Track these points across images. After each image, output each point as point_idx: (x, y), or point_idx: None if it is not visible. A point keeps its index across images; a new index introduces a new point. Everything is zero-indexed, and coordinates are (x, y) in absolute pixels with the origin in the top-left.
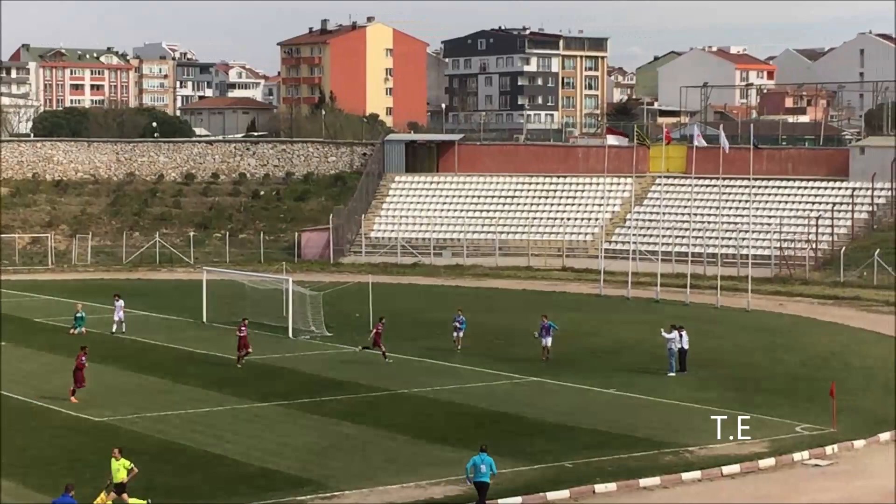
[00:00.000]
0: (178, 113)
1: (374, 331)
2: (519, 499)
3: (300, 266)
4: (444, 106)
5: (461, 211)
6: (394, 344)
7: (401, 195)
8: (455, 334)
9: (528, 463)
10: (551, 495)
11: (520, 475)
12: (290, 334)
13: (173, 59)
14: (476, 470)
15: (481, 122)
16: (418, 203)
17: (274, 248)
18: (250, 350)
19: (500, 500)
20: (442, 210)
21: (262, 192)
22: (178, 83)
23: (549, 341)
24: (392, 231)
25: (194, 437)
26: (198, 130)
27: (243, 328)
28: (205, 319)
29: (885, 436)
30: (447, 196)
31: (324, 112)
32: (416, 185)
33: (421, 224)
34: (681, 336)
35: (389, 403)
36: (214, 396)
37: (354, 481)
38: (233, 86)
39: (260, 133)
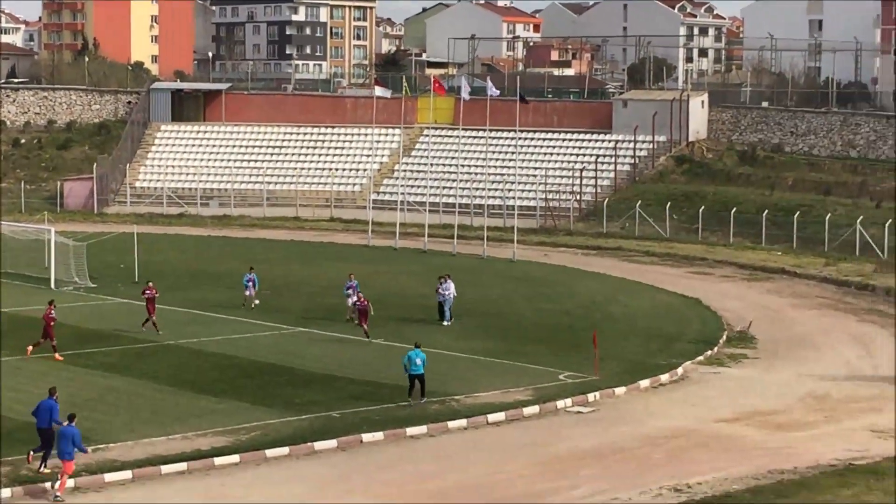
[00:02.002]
0: None
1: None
2: (286, 449)
3: (63, 216)
4: (211, 55)
5: (228, 161)
6: (161, 295)
7: (167, 145)
8: (246, 293)
9: (296, 413)
10: (319, 445)
11: (287, 425)
12: (53, 286)
13: None
14: (412, 363)
15: (249, 72)
16: (185, 153)
17: (35, 198)
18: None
19: (267, 451)
20: (209, 160)
21: (22, 141)
22: None
23: (353, 300)
24: (158, 181)
25: None
26: None
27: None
28: None
29: (644, 383)
30: (214, 146)
31: (87, 59)
32: (183, 135)
33: (187, 174)
34: (445, 285)
35: (156, 355)
36: None
37: (119, 434)
38: None
39: (20, 80)
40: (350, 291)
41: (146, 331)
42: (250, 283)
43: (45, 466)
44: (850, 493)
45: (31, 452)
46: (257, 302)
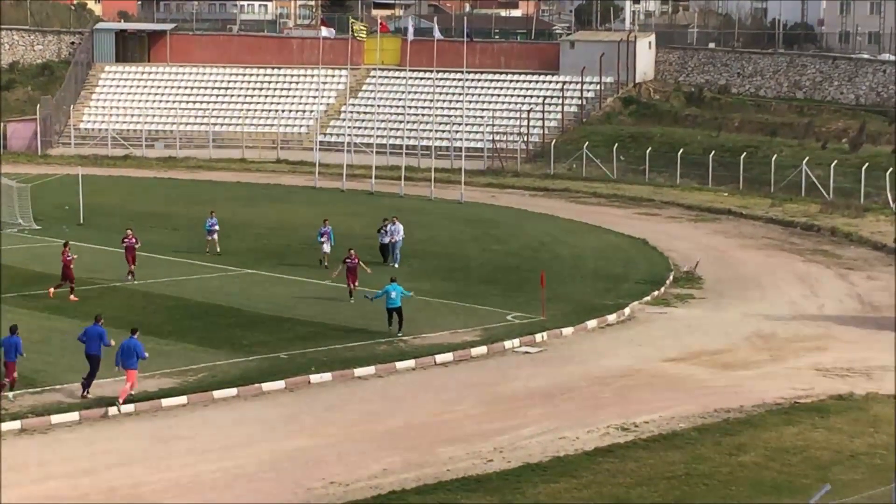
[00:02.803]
0: None
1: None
2: (234, 390)
3: (6, 158)
4: None
5: (173, 102)
6: (105, 236)
7: (111, 86)
8: (209, 237)
9: (244, 355)
10: (266, 386)
11: (235, 366)
12: None
13: None
14: (388, 297)
15: (193, 12)
16: (129, 94)
17: None
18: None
19: (215, 392)
20: (154, 101)
21: None
22: None
23: (327, 248)
24: (102, 122)
25: None
26: None
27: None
28: None
29: (591, 323)
30: (159, 87)
31: None
32: (127, 76)
33: (132, 115)
34: (393, 228)
35: (101, 297)
36: None
37: (66, 376)
38: None
39: None
40: (324, 238)
41: (132, 280)
42: (214, 228)
43: (87, 392)
44: (796, 430)
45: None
46: (218, 250)
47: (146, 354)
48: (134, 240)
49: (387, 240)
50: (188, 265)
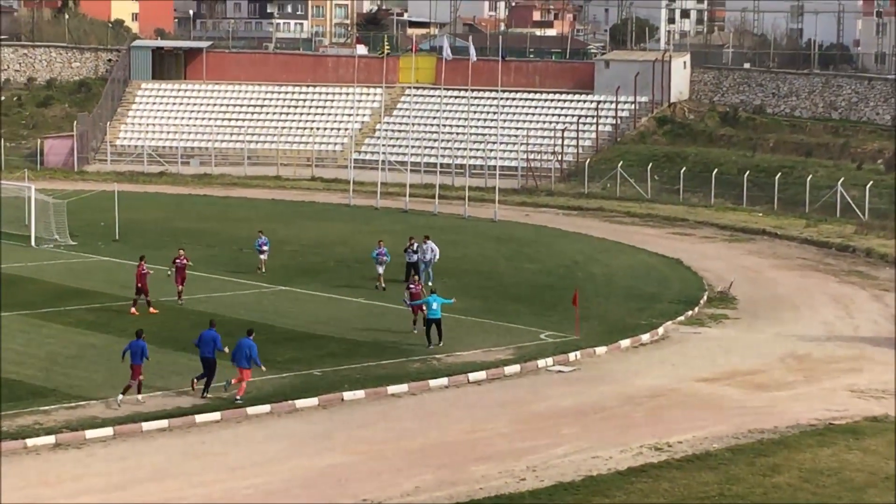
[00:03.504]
0: None
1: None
2: (268, 407)
3: (43, 174)
4: (191, 13)
5: (209, 120)
6: (140, 253)
7: (147, 103)
8: (261, 257)
9: (277, 371)
10: (299, 403)
11: (268, 383)
12: (33, 243)
13: None
14: (429, 307)
15: (230, 30)
16: (165, 111)
17: (15, 156)
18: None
19: (248, 409)
20: (189, 119)
21: (2, 98)
22: None
23: (381, 269)
24: (138, 139)
25: None
26: None
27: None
28: None
29: (625, 342)
30: (195, 104)
31: (67, 16)
32: (163, 93)
33: (168, 132)
34: (425, 247)
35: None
36: None
37: (99, 391)
38: None
39: None
40: (383, 258)
41: (183, 303)
42: (263, 247)
43: (207, 393)
44: (830, 452)
45: (195, 380)
46: (263, 270)
47: (261, 364)
48: (185, 259)
49: (414, 258)
50: (222, 281)
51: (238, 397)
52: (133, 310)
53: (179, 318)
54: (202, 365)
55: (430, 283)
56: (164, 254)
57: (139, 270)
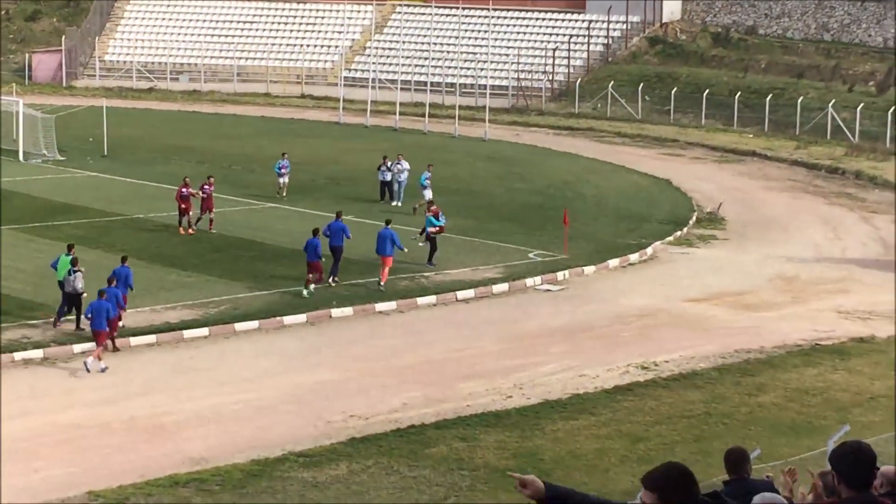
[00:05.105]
0: None
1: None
2: (256, 323)
3: (31, 88)
4: None
5: (199, 36)
6: (129, 168)
7: (137, 18)
8: (280, 180)
9: (266, 288)
10: (288, 319)
11: (257, 299)
12: (21, 157)
13: None
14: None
15: None
16: (155, 26)
17: (3, 70)
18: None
19: (236, 325)
20: (179, 35)
21: None
22: None
23: (429, 193)
24: (128, 55)
25: None
26: None
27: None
28: None
29: (613, 262)
30: (184, 20)
31: None
32: (153, 9)
33: (157, 48)
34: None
35: (124, 228)
36: None
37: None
38: None
39: None
40: (427, 184)
41: (198, 228)
42: (283, 170)
43: (335, 279)
44: (815, 372)
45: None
46: (284, 194)
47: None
48: (212, 187)
49: (388, 177)
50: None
51: (383, 282)
52: (188, 229)
53: (170, 235)
54: (332, 253)
55: (397, 204)
56: (152, 169)
57: (182, 191)
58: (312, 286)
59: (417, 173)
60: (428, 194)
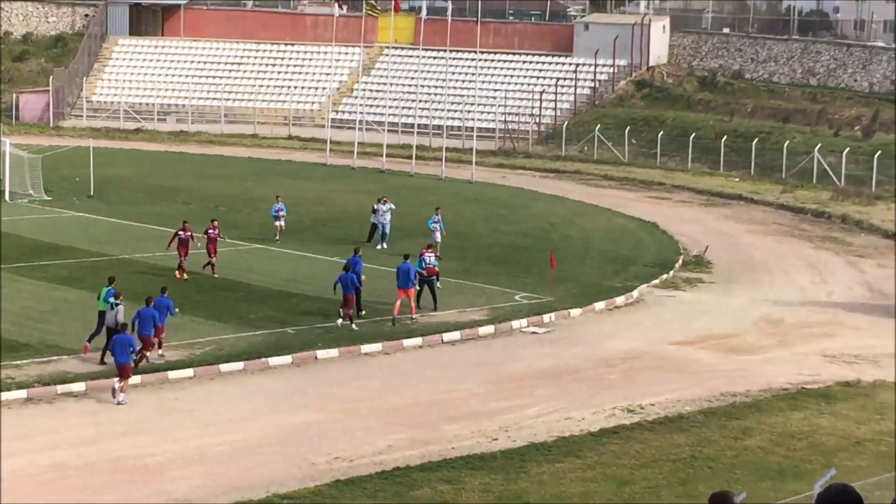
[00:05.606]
0: None
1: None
2: (241, 364)
3: (18, 128)
4: None
5: (186, 77)
6: (116, 209)
7: (124, 59)
8: (277, 223)
9: (251, 329)
10: (273, 360)
11: (242, 340)
12: (7, 197)
13: None
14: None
15: None
16: (142, 67)
17: None
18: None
19: (221, 366)
20: (166, 75)
21: None
22: None
23: (438, 236)
24: (115, 95)
25: None
26: None
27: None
28: None
29: (599, 305)
30: (172, 61)
31: None
32: (140, 49)
33: (145, 89)
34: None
35: (110, 268)
36: None
37: (73, 346)
38: None
39: None
40: (435, 226)
41: (212, 273)
42: (280, 213)
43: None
44: (802, 415)
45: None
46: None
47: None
48: (217, 231)
49: (376, 220)
50: (198, 238)
51: (405, 317)
52: (178, 273)
53: (153, 275)
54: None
55: (380, 247)
56: (138, 210)
57: (181, 234)
58: (341, 321)
59: (405, 215)
60: (436, 237)
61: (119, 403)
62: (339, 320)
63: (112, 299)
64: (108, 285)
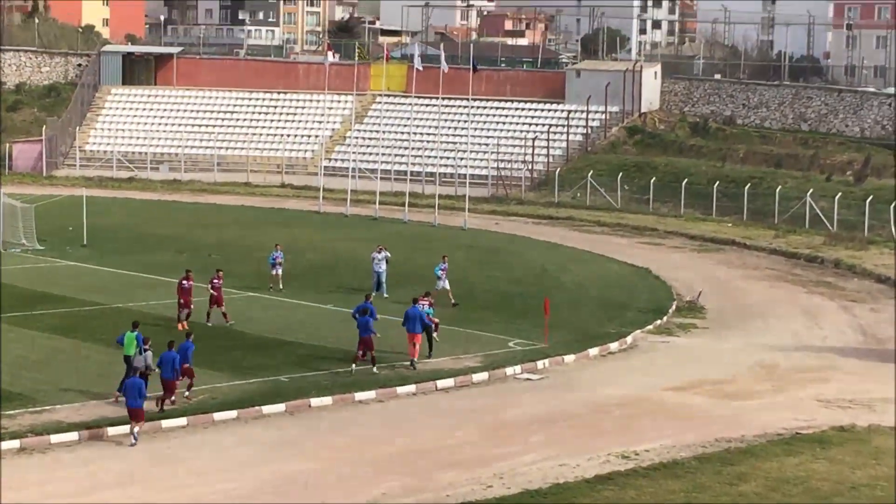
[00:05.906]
0: None
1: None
2: (235, 412)
3: (11, 178)
4: (162, 18)
5: (179, 125)
6: (109, 258)
7: (117, 108)
8: (274, 272)
9: (244, 377)
10: (267, 409)
11: (235, 389)
12: (0, 247)
13: None
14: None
15: (201, 36)
16: (135, 116)
17: None
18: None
19: (215, 414)
20: (159, 124)
21: None
22: None
23: (446, 284)
24: (108, 145)
25: None
26: None
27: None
28: None
29: (593, 351)
30: (165, 110)
31: (37, 20)
32: (133, 99)
33: (138, 138)
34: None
35: (103, 317)
36: None
37: (66, 395)
38: None
39: None
40: (441, 274)
41: (212, 324)
42: (278, 261)
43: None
44: (797, 461)
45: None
46: (281, 286)
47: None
48: (221, 281)
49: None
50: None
51: (415, 358)
52: (180, 325)
53: (146, 323)
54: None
55: (376, 294)
56: (131, 258)
57: (185, 283)
58: (354, 366)
59: (399, 263)
60: (440, 285)
61: (132, 445)
62: (353, 365)
63: (142, 345)
64: (133, 330)
